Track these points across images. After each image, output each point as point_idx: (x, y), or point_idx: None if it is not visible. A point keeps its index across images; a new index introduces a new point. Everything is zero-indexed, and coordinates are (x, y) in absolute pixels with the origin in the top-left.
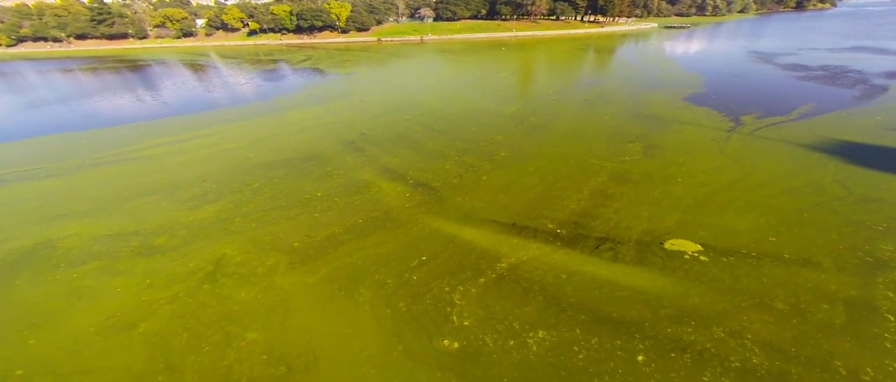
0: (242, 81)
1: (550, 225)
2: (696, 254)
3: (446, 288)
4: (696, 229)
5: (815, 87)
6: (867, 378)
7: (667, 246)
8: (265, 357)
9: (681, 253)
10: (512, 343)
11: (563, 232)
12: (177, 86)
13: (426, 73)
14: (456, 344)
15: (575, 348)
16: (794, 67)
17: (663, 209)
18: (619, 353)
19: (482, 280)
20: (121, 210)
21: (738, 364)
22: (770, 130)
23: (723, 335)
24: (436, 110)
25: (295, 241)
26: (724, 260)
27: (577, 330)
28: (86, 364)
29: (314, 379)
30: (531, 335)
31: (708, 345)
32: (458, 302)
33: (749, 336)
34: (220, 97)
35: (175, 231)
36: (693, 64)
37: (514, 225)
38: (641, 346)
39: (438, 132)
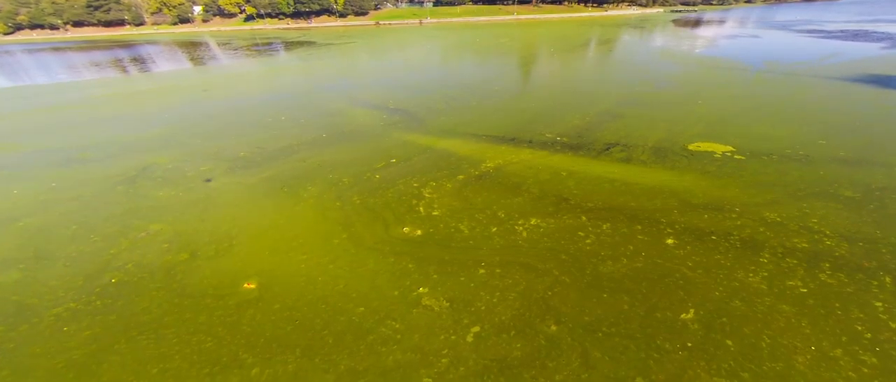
0: (230, 51)
1: (549, 135)
2: (728, 154)
3: (415, 184)
4: (724, 135)
5: (838, 43)
6: None
7: (690, 147)
8: (166, 245)
9: (709, 153)
10: (494, 230)
11: (564, 139)
12: (162, 56)
13: (421, 41)
14: (419, 232)
15: (580, 233)
16: (813, 31)
17: (683, 123)
18: (640, 237)
19: (461, 177)
20: (51, 133)
21: (805, 246)
22: (798, 69)
23: (778, 219)
24: (426, 62)
25: (242, 152)
26: (765, 157)
27: (583, 218)
28: None
29: (221, 264)
30: (521, 223)
31: (760, 229)
32: (427, 196)
33: (814, 221)
34: (204, 62)
35: (107, 147)
36: (706, 31)
37: (503, 137)
38: (670, 231)
39: (426, 77)
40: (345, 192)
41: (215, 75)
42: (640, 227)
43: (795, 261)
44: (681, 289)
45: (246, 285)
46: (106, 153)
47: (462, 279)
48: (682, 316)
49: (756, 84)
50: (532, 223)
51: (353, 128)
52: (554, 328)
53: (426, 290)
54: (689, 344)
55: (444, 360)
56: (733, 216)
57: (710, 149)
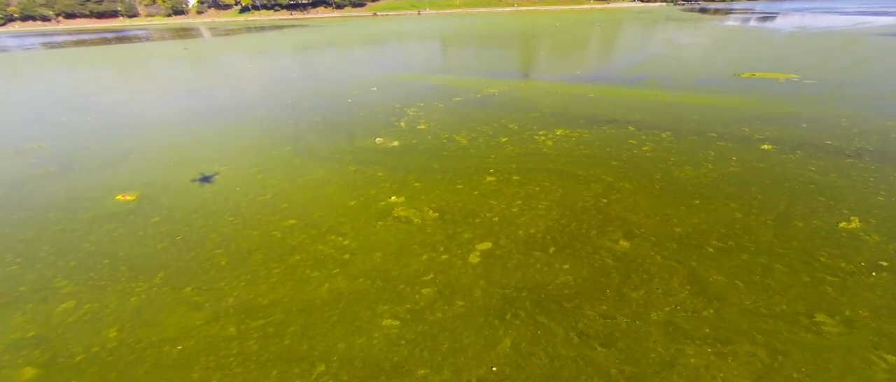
0: (220, 34)
1: (564, 72)
2: (794, 80)
3: (397, 105)
4: (781, 67)
5: (863, 17)
6: None
7: (744, 75)
8: (35, 161)
9: (770, 79)
10: (504, 139)
11: (585, 74)
12: (151, 40)
13: (418, 23)
14: (396, 143)
15: (632, 141)
16: (830, 11)
17: (722, 61)
18: (720, 143)
19: (457, 99)
20: None
21: None
22: (834, 30)
23: None
24: (421, 34)
25: (185, 87)
26: (844, 82)
27: (631, 128)
28: None
29: (98, 176)
30: (543, 133)
31: (892, 136)
32: (411, 114)
33: None
34: (189, 38)
35: (46, 88)
36: (717, 14)
37: (508, 72)
38: (760, 137)
39: (420, 43)
40: (304, 113)
41: (195, 45)
42: (715, 135)
43: None
44: (818, 194)
45: (120, 197)
46: (40, 93)
47: (459, 187)
48: (842, 224)
49: (793, 39)
50: (559, 133)
51: (329, 70)
52: (625, 243)
53: (401, 200)
54: (884, 263)
55: (426, 290)
56: (843, 125)
57: (769, 76)
